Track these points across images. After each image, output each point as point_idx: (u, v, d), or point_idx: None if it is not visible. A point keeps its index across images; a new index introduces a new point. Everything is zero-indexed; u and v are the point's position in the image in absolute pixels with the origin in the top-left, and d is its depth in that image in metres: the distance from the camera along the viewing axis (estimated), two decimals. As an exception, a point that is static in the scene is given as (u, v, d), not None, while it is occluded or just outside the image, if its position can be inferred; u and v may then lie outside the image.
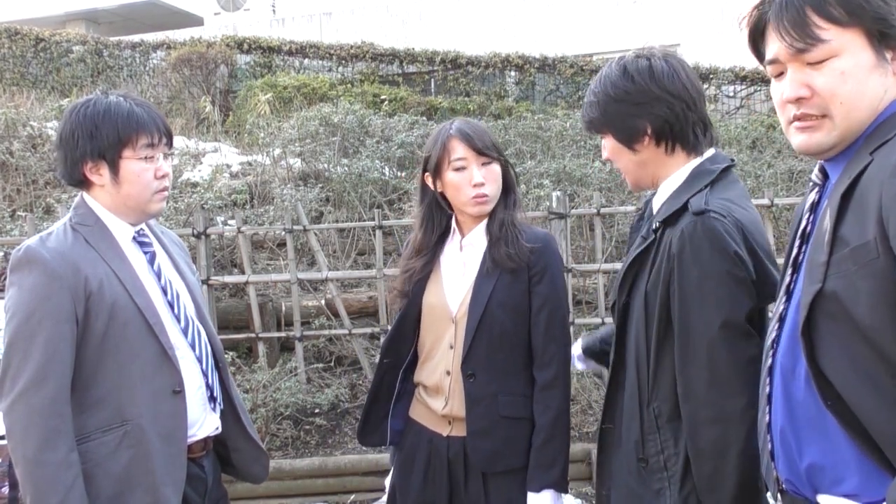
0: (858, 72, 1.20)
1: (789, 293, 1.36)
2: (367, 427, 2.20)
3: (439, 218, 2.14)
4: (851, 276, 1.15)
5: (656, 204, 1.77)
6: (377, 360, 2.28)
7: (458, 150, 2.03)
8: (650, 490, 1.64)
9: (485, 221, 2.08)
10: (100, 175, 1.87)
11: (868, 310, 1.14)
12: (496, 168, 2.06)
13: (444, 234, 2.15)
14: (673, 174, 1.73)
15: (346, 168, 6.16)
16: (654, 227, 1.67)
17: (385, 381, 2.17)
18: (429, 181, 2.11)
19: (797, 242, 1.36)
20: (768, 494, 1.47)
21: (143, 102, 1.92)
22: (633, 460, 1.68)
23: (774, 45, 1.28)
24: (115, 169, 1.85)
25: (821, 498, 1.28)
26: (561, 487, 1.99)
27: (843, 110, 1.22)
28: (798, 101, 1.26)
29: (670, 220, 1.63)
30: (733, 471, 1.52)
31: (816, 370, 1.22)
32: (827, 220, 1.21)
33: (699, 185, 1.65)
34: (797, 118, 1.28)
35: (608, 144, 1.77)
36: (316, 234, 5.22)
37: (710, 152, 1.74)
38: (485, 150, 2.03)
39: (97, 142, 1.83)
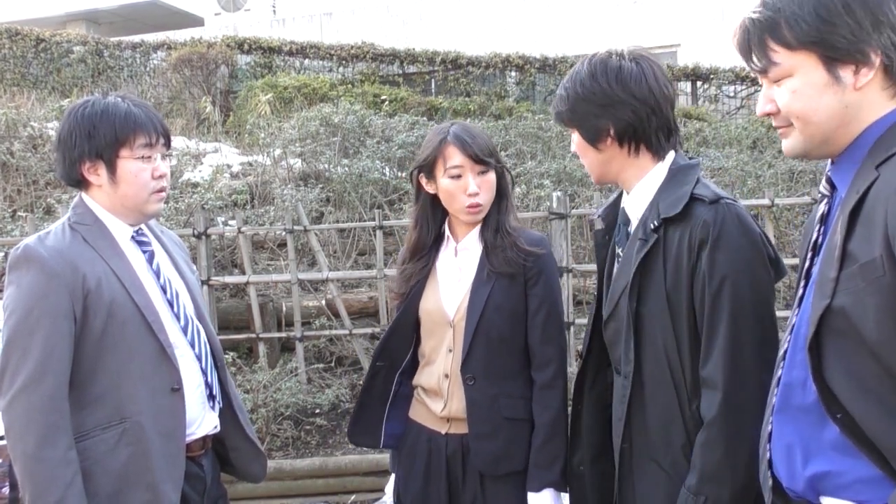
0: (808, 90, 1.26)
1: (801, 305, 1.36)
2: (357, 427, 2.19)
3: (434, 217, 2.12)
4: (860, 292, 1.17)
5: (633, 207, 1.77)
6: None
7: (455, 157, 1.99)
8: None
9: (478, 227, 2.07)
10: (97, 175, 1.87)
11: (875, 325, 1.15)
12: (491, 176, 2.03)
13: (439, 235, 2.14)
14: (645, 176, 1.74)
15: (347, 168, 6.16)
16: (652, 226, 1.65)
17: (377, 382, 2.15)
18: (422, 181, 2.09)
19: (809, 254, 1.37)
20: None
21: (142, 103, 1.92)
22: (684, 466, 1.62)
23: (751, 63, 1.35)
24: (112, 169, 1.86)
25: (824, 500, 1.28)
26: (561, 486, 1.99)
27: (799, 124, 1.30)
28: (769, 115, 1.35)
29: (677, 217, 1.62)
30: (745, 461, 1.53)
31: (822, 384, 1.23)
32: (837, 235, 1.23)
33: (690, 180, 1.67)
34: (775, 126, 1.37)
35: (575, 139, 1.80)
36: (316, 235, 5.22)
37: (671, 154, 1.76)
38: (482, 159, 2.00)
39: (95, 141, 1.83)
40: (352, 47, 11.04)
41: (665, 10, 11.94)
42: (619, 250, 1.81)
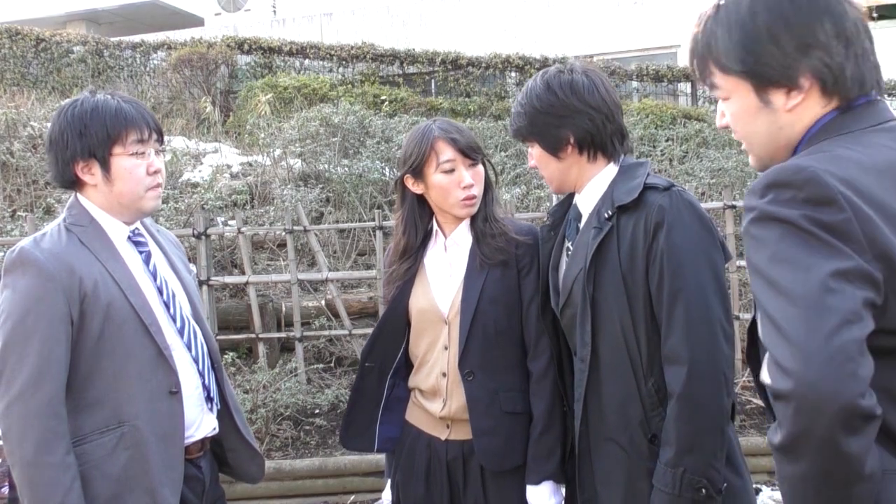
0: (743, 114, 1.28)
1: None
2: (350, 431, 2.17)
3: (422, 219, 2.11)
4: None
5: (585, 202, 1.88)
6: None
7: (447, 151, 2.00)
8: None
9: (467, 220, 2.07)
10: (91, 174, 1.86)
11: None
12: (481, 169, 2.05)
13: (425, 237, 2.13)
14: (598, 174, 1.86)
15: (347, 169, 6.17)
16: (606, 215, 1.76)
17: (368, 384, 2.14)
18: (409, 183, 2.07)
19: None
20: None
21: (131, 99, 1.91)
22: (641, 443, 1.73)
23: None
24: (106, 167, 1.84)
25: None
26: (559, 478, 1.98)
27: (744, 143, 1.33)
28: (726, 127, 1.37)
29: (630, 205, 1.73)
30: (723, 429, 1.65)
31: (763, 392, 1.25)
32: None
33: (641, 174, 1.79)
34: None
35: (535, 153, 1.90)
36: (316, 235, 5.22)
37: (621, 157, 1.88)
38: (472, 152, 2.02)
39: (87, 140, 1.82)
40: (352, 48, 11.04)
41: (665, 10, 11.93)
42: (568, 244, 1.91)
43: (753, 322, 1.25)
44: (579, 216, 1.90)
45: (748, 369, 4.83)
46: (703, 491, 1.60)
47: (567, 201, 1.99)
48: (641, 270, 1.70)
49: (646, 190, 1.73)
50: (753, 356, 1.28)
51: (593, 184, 1.86)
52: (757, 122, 1.27)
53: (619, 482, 1.76)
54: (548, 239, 1.99)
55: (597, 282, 1.75)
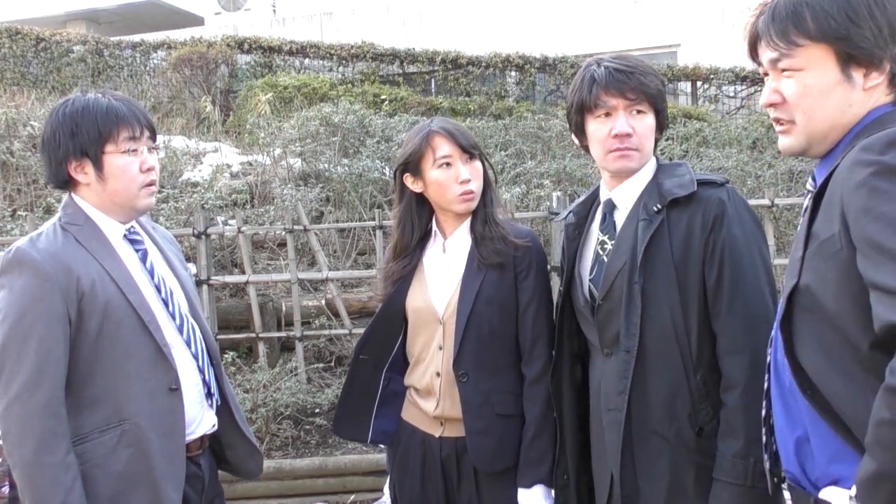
0: (820, 86, 1.30)
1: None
2: (343, 419, 2.19)
3: (420, 217, 2.12)
4: (821, 268, 1.24)
5: (623, 197, 1.87)
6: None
7: (443, 147, 2.01)
8: (711, 457, 1.70)
9: (468, 221, 2.08)
10: (85, 174, 1.85)
11: (833, 297, 1.22)
12: (479, 164, 2.06)
13: (424, 236, 2.14)
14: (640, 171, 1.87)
15: (347, 168, 6.17)
16: (655, 208, 1.78)
17: (362, 375, 2.15)
18: (407, 181, 2.09)
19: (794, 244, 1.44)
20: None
21: (123, 97, 1.90)
22: (689, 436, 1.73)
23: (762, 53, 1.38)
24: (98, 165, 1.83)
25: (823, 493, 1.31)
26: (550, 483, 1.99)
27: (804, 119, 1.34)
28: (771, 105, 1.38)
29: (683, 199, 1.76)
30: None
31: (794, 361, 1.29)
32: (804, 219, 1.31)
33: (684, 171, 1.84)
34: (775, 121, 1.40)
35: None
36: (316, 234, 5.22)
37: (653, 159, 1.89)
38: (469, 148, 2.03)
39: (79, 139, 1.81)
40: (352, 47, 11.03)
41: (665, 10, 11.93)
42: (603, 237, 1.89)
43: (794, 289, 1.28)
44: (612, 210, 1.90)
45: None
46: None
47: (587, 201, 2.00)
48: (697, 262, 1.73)
49: (700, 185, 1.78)
50: (786, 326, 1.31)
51: (633, 179, 1.86)
52: (831, 96, 1.29)
53: (663, 476, 1.75)
54: (574, 238, 1.98)
55: (647, 273, 1.75)
